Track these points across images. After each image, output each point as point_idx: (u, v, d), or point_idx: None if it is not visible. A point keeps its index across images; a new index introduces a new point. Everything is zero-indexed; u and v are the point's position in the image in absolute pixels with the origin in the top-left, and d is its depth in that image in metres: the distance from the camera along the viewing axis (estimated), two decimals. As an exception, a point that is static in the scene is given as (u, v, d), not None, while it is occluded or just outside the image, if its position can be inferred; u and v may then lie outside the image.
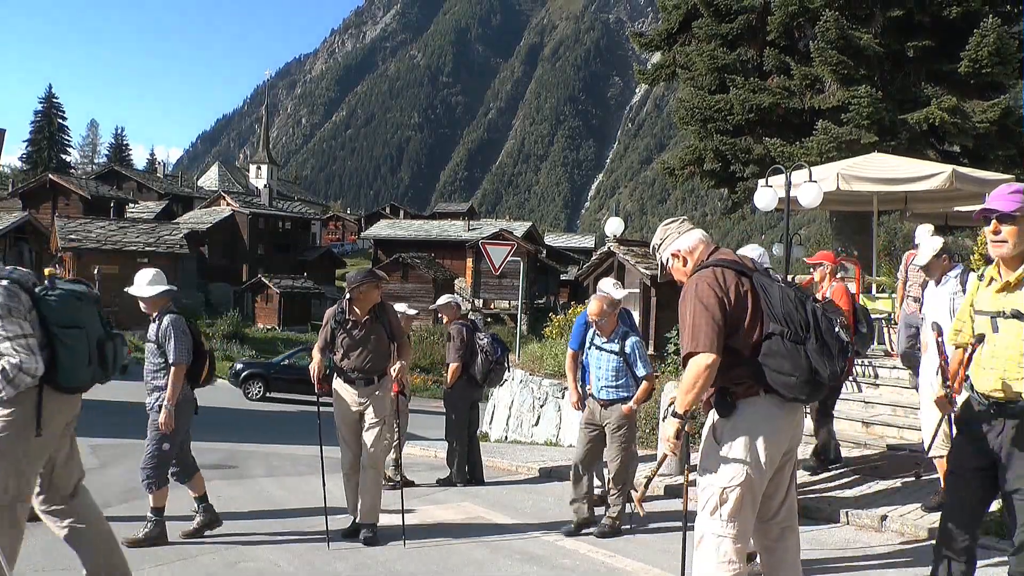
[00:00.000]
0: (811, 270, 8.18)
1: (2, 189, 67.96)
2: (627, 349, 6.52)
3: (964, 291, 6.02)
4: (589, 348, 6.72)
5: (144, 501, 6.24)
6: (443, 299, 9.13)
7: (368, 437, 6.35)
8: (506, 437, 14.93)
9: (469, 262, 55.98)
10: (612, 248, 13.72)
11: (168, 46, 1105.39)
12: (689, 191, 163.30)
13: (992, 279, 3.82)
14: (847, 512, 6.69)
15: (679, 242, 4.15)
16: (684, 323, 3.78)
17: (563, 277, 61.41)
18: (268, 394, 26.08)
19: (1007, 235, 3.64)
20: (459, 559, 5.92)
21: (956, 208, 15.28)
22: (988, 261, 12.11)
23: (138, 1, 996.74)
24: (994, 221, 3.66)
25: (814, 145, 16.89)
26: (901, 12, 16.91)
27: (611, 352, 6.55)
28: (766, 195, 12.60)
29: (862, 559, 5.79)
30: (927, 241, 6.78)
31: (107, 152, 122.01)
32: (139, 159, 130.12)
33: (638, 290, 13.13)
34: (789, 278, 6.29)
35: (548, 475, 9.29)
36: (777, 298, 3.75)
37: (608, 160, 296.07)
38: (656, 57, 23.78)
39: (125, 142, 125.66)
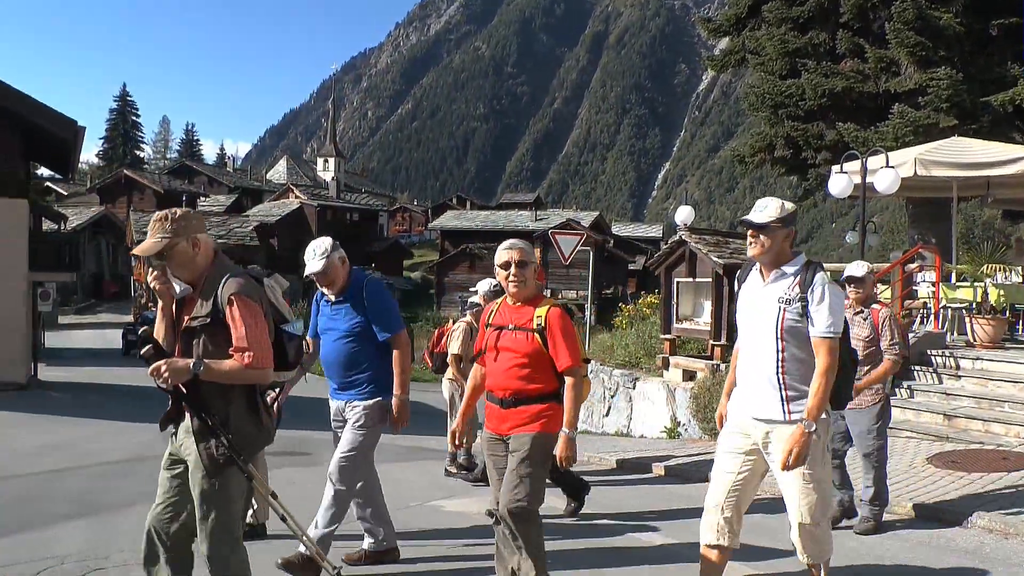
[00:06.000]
0: None
1: (81, 185, 69.89)
2: None
3: (803, 293, 3.84)
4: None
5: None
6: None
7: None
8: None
9: (537, 252, 55.77)
10: (683, 237, 13.55)
11: (236, 43, 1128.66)
12: (758, 179, 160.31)
13: None
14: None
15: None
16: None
17: (631, 267, 61.01)
18: None
19: None
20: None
21: (1042, 193, 14.74)
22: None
23: (205, 2, 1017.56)
24: None
25: (889, 130, 16.49)
26: (983, -11, 16.40)
27: None
28: (840, 181, 12.32)
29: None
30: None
31: (178, 147, 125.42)
32: (209, 154, 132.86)
33: (711, 279, 12.95)
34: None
35: (622, 466, 9.23)
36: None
37: (675, 148, 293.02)
38: (724, 43, 23.43)
39: (196, 137, 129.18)
